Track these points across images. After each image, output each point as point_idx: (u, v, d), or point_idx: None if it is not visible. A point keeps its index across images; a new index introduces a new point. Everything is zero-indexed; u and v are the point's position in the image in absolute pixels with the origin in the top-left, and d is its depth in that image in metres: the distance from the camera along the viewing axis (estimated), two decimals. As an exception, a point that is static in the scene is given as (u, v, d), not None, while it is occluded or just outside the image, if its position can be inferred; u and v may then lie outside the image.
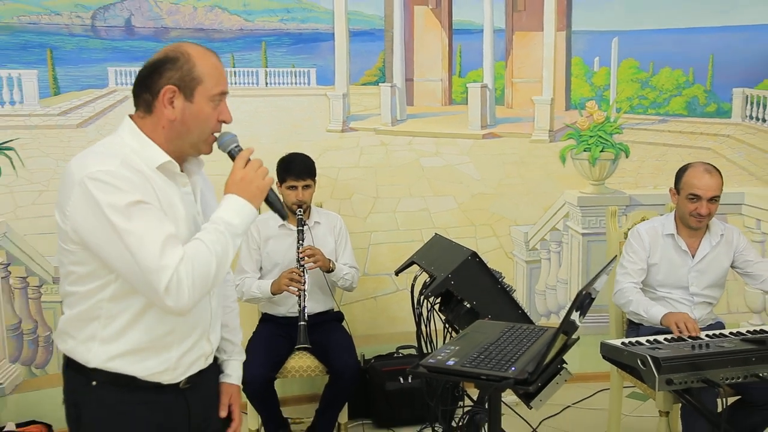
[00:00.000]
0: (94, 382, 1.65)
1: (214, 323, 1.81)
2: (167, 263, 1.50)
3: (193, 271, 1.53)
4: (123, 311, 1.63)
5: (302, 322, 3.22)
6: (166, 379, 1.70)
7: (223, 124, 1.73)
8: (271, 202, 1.72)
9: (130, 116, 1.70)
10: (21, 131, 3.59)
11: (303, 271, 3.26)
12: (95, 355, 1.65)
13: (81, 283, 1.64)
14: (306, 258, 3.26)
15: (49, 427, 3.49)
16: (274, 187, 1.79)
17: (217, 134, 1.72)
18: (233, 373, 1.99)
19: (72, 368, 1.69)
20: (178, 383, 1.73)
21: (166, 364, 1.69)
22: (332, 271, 3.38)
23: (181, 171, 1.74)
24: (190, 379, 1.76)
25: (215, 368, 1.91)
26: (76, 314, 1.66)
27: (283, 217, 1.76)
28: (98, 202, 1.52)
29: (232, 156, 1.72)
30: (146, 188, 1.58)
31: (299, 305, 3.24)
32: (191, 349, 1.73)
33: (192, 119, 1.65)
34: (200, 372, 1.79)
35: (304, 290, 3.25)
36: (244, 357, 2.06)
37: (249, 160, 1.69)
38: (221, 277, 1.61)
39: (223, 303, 1.93)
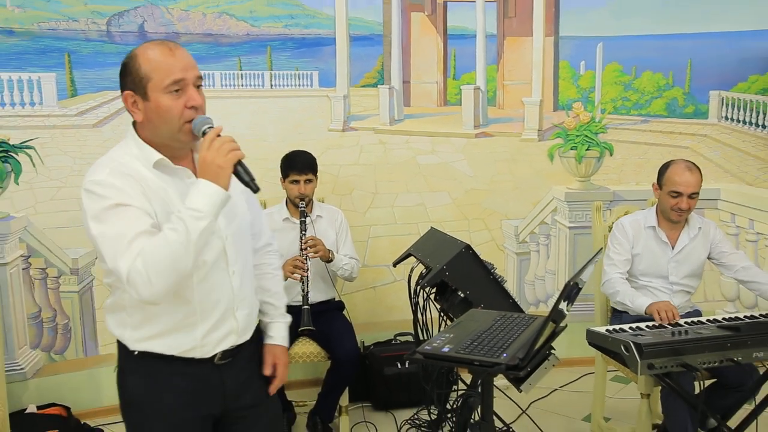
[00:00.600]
0: (136, 353, 1.71)
1: (238, 301, 1.77)
2: (125, 261, 1.51)
3: (147, 265, 1.50)
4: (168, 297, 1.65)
5: (306, 306, 3.24)
6: (197, 354, 1.72)
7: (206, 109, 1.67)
8: (238, 175, 1.60)
9: (134, 125, 1.71)
10: (40, 131, 3.57)
11: (306, 259, 3.26)
12: (129, 338, 1.71)
13: (109, 276, 1.69)
14: (308, 248, 3.27)
15: (67, 409, 3.49)
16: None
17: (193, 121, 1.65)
18: (276, 335, 1.98)
19: (119, 342, 1.76)
20: (213, 358, 1.74)
21: (193, 343, 1.71)
22: (332, 261, 3.38)
23: (192, 163, 1.73)
24: (225, 355, 1.76)
25: (253, 344, 1.88)
26: (112, 303, 1.74)
27: (254, 190, 1.62)
28: (84, 210, 1.59)
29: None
30: (133, 191, 1.58)
31: (302, 291, 3.25)
32: (216, 327, 1.73)
33: (155, 115, 1.62)
34: (237, 348, 1.79)
35: (307, 276, 3.25)
36: (288, 319, 2.04)
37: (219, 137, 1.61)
38: (185, 262, 1.53)
39: (263, 270, 1.97)
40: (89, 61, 3.65)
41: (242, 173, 1.59)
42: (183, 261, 1.52)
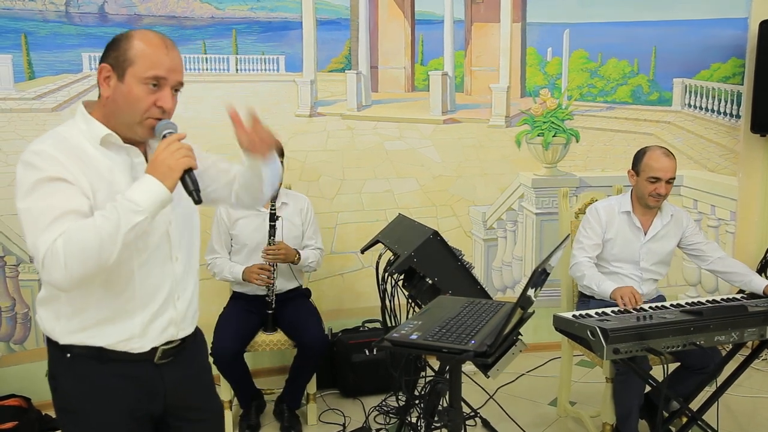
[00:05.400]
0: (68, 355, 1.62)
1: (180, 290, 1.71)
2: (46, 239, 1.43)
3: (66, 247, 1.42)
4: (78, 290, 1.56)
5: (269, 311, 3.26)
6: (135, 347, 1.64)
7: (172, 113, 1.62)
8: (184, 181, 1.54)
9: (83, 102, 1.66)
10: (-4, 114, 3.46)
11: (273, 266, 3.24)
12: (62, 330, 1.62)
13: None
14: (272, 255, 3.24)
15: (28, 400, 3.40)
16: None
17: (157, 119, 1.59)
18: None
19: (50, 343, 1.66)
20: (153, 357, 1.67)
21: (130, 331, 1.63)
22: (297, 263, 3.35)
23: (144, 147, 1.67)
24: (166, 354, 1.69)
25: (194, 344, 1.81)
26: (45, 296, 1.64)
27: (196, 201, 1.55)
28: (17, 180, 1.50)
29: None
30: (73, 167, 1.51)
31: (268, 297, 3.26)
32: (156, 316, 1.66)
33: (122, 99, 1.57)
34: (177, 348, 1.72)
35: (273, 284, 3.24)
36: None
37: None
38: (108, 252, 1.44)
39: None
40: (47, 43, 3.52)
41: (188, 182, 1.55)
42: (106, 251, 1.44)
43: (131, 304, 1.62)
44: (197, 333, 1.83)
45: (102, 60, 1.60)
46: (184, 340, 1.75)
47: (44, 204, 1.46)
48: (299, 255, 3.34)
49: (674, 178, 3.04)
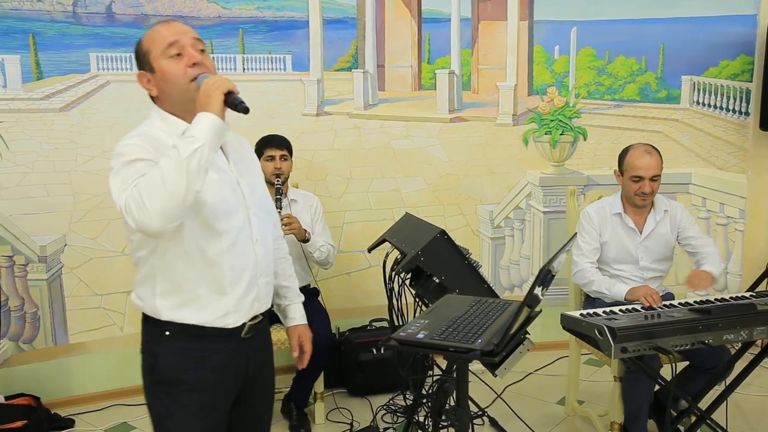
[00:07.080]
0: (167, 332, 1.72)
1: (262, 268, 1.82)
2: (125, 193, 1.53)
3: (140, 189, 1.50)
4: (173, 268, 1.69)
5: None
6: (230, 322, 1.75)
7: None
8: (228, 102, 1.61)
9: (154, 102, 1.77)
10: (4, 115, 3.47)
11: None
12: (161, 308, 1.72)
13: (139, 249, 1.73)
14: (284, 226, 3.23)
15: (37, 398, 3.43)
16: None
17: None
18: (297, 315, 2.08)
19: (148, 322, 1.76)
20: (241, 332, 1.77)
21: (226, 308, 1.74)
22: (308, 241, 3.35)
23: None
24: (252, 329, 1.80)
25: (267, 322, 1.92)
26: (142, 276, 1.76)
27: (245, 111, 1.62)
28: (111, 167, 1.63)
29: None
30: (157, 153, 1.59)
31: None
32: (246, 293, 1.77)
33: (165, 84, 1.70)
34: (260, 322, 1.84)
35: None
36: (302, 298, 2.12)
37: None
38: (178, 183, 1.50)
39: (278, 255, 2.02)
40: (55, 43, 3.54)
41: (232, 100, 1.61)
42: (175, 181, 1.49)
43: (221, 284, 1.73)
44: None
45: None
46: (263, 315, 1.86)
47: (131, 171, 1.57)
48: (309, 234, 3.35)
49: (659, 175, 2.99)
